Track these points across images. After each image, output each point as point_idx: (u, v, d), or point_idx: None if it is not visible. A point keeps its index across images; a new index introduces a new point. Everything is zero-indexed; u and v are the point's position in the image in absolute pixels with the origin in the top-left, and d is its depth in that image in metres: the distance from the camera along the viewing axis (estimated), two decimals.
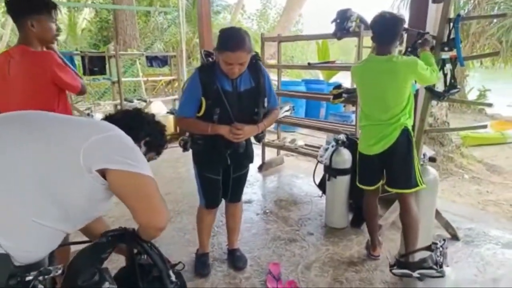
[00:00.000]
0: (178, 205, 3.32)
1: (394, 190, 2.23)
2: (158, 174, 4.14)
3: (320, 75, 9.32)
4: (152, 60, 5.87)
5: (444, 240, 1.70)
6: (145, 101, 5.72)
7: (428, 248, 1.61)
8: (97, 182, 1.16)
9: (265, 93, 2.01)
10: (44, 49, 1.88)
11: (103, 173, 1.15)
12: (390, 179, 2.25)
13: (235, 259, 2.43)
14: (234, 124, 1.90)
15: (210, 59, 2.05)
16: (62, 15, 17.71)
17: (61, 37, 17.22)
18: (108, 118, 1.41)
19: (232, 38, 1.79)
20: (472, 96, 10.79)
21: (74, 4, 11.17)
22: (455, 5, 9.76)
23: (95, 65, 5.11)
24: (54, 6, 1.82)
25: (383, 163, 2.24)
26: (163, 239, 2.72)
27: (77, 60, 5.23)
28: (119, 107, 5.30)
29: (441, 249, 1.61)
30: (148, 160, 1.50)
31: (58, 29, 1.87)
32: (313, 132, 5.16)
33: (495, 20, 8.92)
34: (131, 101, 5.51)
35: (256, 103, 1.99)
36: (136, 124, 1.40)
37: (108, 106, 5.66)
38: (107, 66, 5.28)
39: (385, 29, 2.14)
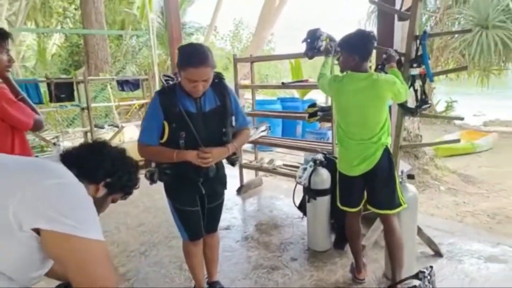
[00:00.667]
0: (154, 236, 3.14)
1: (378, 211, 2.19)
2: (131, 203, 3.95)
3: (295, 92, 9.42)
4: (123, 84, 5.70)
5: (431, 267, 1.64)
6: (117, 126, 5.52)
7: (416, 276, 1.55)
8: (33, 241, 0.99)
9: (232, 112, 1.91)
10: None
11: (38, 231, 0.98)
12: (373, 200, 2.20)
13: None
14: (201, 148, 1.77)
15: (170, 83, 1.93)
16: (30, 41, 17.37)
17: (30, 63, 16.84)
18: (65, 155, 1.23)
19: (194, 54, 1.70)
20: (440, 108, 11.20)
21: (44, 30, 10.86)
22: (418, 21, 10.24)
23: (63, 91, 4.89)
24: (4, 36, 1.69)
25: (366, 184, 2.19)
26: (138, 274, 2.55)
27: (43, 87, 5.02)
28: (89, 134, 5.09)
29: (429, 277, 1.55)
30: (112, 202, 1.35)
31: (10, 60, 1.73)
32: (291, 151, 5.12)
33: (456, 35, 9.38)
34: (101, 127, 5.30)
35: (224, 123, 1.87)
36: (94, 163, 1.21)
37: (78, 134, 5.42)
38: (75, 92, 5.08)
39: (363, 44, 2.10)
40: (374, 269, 2.51)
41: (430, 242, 2.69)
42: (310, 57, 3.26)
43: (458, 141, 2.56)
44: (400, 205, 2.14)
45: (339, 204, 2.33)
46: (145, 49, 11.14)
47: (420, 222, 3.07)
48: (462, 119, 2.44)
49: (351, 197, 2.27)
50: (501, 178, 5.15)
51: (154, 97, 1.86)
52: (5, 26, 11.36)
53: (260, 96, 11.91)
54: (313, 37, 3.13)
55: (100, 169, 1.22)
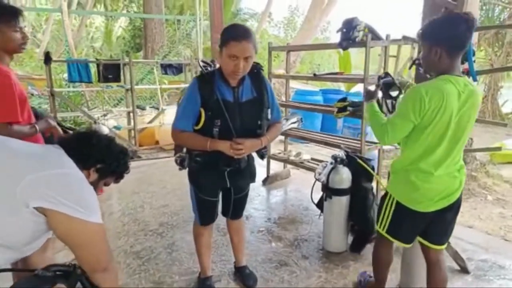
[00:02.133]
0: (173, 219, 3.24)
1: (437, 247, 1.81)
2: (160, 184, 4.10)
3: (341, 84, 9.05)
4: (167, 68, 5.87)
5: None
6: (157, 108, 5.73)
7: None
8: (37, 217, 1.15)
9: (268, 104, 1.89)
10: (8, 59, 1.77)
11: (43, 211, 1.14)
12: (435, 235, 1.79)
13: (244, 277, 2.32)
14: (235, 139, 1.75)
15: (208, 69, 1.95)
16: (99, 23, 18.58)
17: (97, 44, 18.06)
18: (61, 143, 1.34)
19: (237, 28, 1.71)
20: (506, 108, 10.12)
21: (105, 13, 11.52)
22: (489, 14, 9.26)
23: (110, 72, 5.18)
24: (16, 13, 1.71)
25: (434, 219, 1.72)
26: (151, 254, 2.65)
27: (93, 67, 5.34)
28: (131, 114, 5.35)
29: None
30: (105, 185, 1.43)
31: (24, 37, 1.78)
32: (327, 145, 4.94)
33: None
34: (143, 108, 5.54)
35: (259, 115, 1.84)
36: (85, 151, 1.32)
37: (123, 113, 5.71)
38: (122, 73, 5.34)
39: (468, 32, 1.54)
40: (389, 279, 2.36)
41: (457, 257, 2.46)
42: (345, 48, 3.11)
43: (498, 149, 2.28)
44: None
45: (386, 234, 1.82)
46: (202, 34, 11.35)
47: (453, 233, 2.83)
48: (505, 125, 2.15)
49: (412, 233, 1.80)
50: None
51: (192, 83, 1.84)
52: (75, 8, 12.28)
53: (308, 86, 11.67)
54: (349, 27, 2.96)
55: (90, 156, 1.33)
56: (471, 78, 2.22)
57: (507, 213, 3.90)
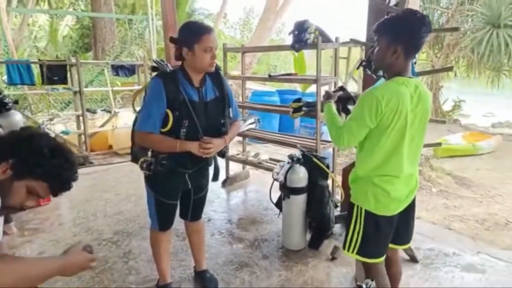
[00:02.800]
0: (129, 226, 3.12)
1: (403, 247, 1.86)
2: (113, 191, 3.93)
3: (297, 85, 9.25)
4: (118, 69, 5.64)
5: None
6: (109, 111, 5.49)
7: None
8: None
9: (230, 103, 1.93)
10: None
11: None
12: (402, 236, 1.78)
13: (205, 281, 2.28)
14: (203, 139, 1.75)
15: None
16: (43, 21, 17.40)
17: (41, 44, 16.89)
18: None
19: (200, 23, 1.82)
20: (447, 107, 10.93)
21: (48, 11, 10.82)
22: (429, 17, 9.94)
23: (55, 74, 4.87)
24: None
25: (400, 220, 1.70)
26: (105, 264, 2.52)
27: (36, 68, 5.00)
28: (81, 118, 5.07)
29: None
30: (39, 197, 1.20)
31: None
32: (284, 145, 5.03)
33: (468, 32, 9.09)
34: (94, 112, 5.28)
35: (223, 114, 1.90)
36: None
37: (72, 117, 5.39)
38: (69, 75, 5.04)
39: (425, 32, 1.46)
40: (345, 274, 2.45)
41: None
42: (297, 50, 3.17)
43: (439, 144, 2.45)
44: None
45: (359, 257, 1.71)
46: (156, 34, 11.04)
47: None
48: (444, 122, 2.32)
49: (384, 243, 1.70)
50: (498, 183, 4.99)
51: (155, 82, 1.76)
52: (16, 6, 11.39)
53: (266, 87, 11.79)
54: (300, 29, 3.03)
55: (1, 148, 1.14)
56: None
57: (450, 204, 4.22)
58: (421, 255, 2.63)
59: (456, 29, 3.70)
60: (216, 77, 1.89)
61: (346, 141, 1.59)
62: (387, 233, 1.67)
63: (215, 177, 2.06)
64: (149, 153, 1.85)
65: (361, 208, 1.65)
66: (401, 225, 1.71)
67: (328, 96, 1.91)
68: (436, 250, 2.73)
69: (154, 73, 1.91)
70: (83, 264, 1.18)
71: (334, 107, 1.80)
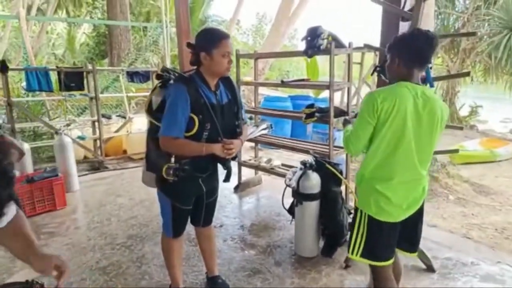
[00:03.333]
0: (142, 231, 3.14)
1: (411, 255, 1.87)
2: (127, 195, 3.97)
3: (310, 91, 9.22)
4: (133, 76, 5.74)
5: None
6: (124, 117, 5.57)
7: None
8: None
9: (241, 106, 2.00)
10: None
11: None
12: (409, 243, 1.82)
13: (217, 287, 2.27)
14: (224, 140, 1.82)
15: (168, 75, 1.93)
16: (61, 29, 17.86)
17: (59, 51, 17.34)
18: None
19: (218, 30, 1.90)
20: (464, 112, 10.72)
21: (66, 20, 11.12)
22: (445, 22, 9.81)
23: (72, 80, 4.98)
24: None
25: (404, 226, 1.74)
26: (118, 269, 2.54)
27: (54, 75, 5.11)
28: (96, 123, 5.16)
29: None
30: None
31: None
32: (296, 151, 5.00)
33: (485, 37, 8.92)
34: (109, 117, 5.37)
35: (237, 116, 1.96)
36: None
37: (88, 122, 5.50)
38: (85, 81, 5.14)
39: (427, 47, 1.63)
40: (358, 282, 2.40)
41: (422, 256, 2.55)
42: (310, 56, 3.16)
43: (456, 151, 2.39)
44: None
45: (363, 259, 1.75)
46: (170, 41, 11.21)
47: None
48: (461, 128, 2.26)
49: (390, 247, 1.74)
50: None
51: (177, 87, 1.78)
52: (35, 14, 11.73)
53: (278, 92, 11.80)
54: (313, 35, 3.02)
55: None
56: (428, 85, 2.35)
57: (468, 211, 4.11)
58: (438, 264, 2.57)
59: (473, 33, 3.63)
60: (227, 81, 1.95)
61: (354, 143, 1.68)
62: (391, 238, 1.71)
63: (227, 178, 2.06)
64: (172, 159, 1.83)
65: (364, 213, 1.71)
66: (406, 232, 1.74)
67: (346, 122, 2.14)
68: (453, 259, 2.66)
69: (158, 81, 1.92)
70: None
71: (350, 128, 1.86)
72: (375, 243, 1.71)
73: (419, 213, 1.75)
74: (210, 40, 1.78)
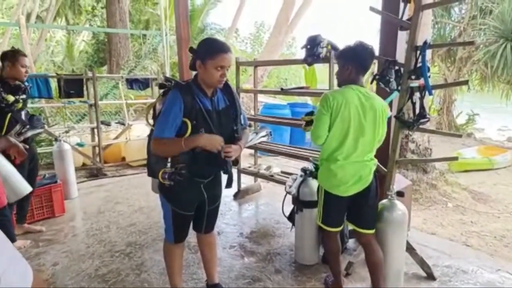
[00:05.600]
0: (141, 238, 3.12)
1: (363, 231, 2.13)
2: (126, 203, 3.96)
3: (308, 98, 9.27)
4: (133, 83, 5.75)
5: None
6: (123, 124, 5.58)
7: None
8: None
9: (240, 111, 2.00)
10: None
11: None
12: (359, 220, 2.15)
13: None
14: (223, 146, 1.82)
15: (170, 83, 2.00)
16: (60, 37, 17.93)
17: (58, 58, 17.38)
18: None
19: (219, 42, 1.87)
20: (461, 120, 10.78)
21: (66, 27, 11.17)
22: (441, 31, 9.92)
23: (72, 87, 4.99)
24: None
25: (354, 203, 2.11)
26: (118, 276, 2.52)
27: (54, 82, 5.12)
28: (95, 130, 5.16)
29: None
30: None
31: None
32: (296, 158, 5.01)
33: (481, 46, 9.02)
34: (108, 124, 5.36)
35: (235, 121, 1.96)
36: None
37: (86, 129, 5.50)
38: (85, 88, 5.15)
39: (370, 57, 2.06)
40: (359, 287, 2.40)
41: (423, 264, 2.54)
42: (310, 64, 3.18)
43: (455, 158, 2.40)
44: (375, 225, 2.16)
45: (321, 224, 2.18)
46: (169, 49, 11.27)
47: (418, 241, 2.94)
48: (460, 136, 2.28)
49: (338, 217, 2.16)
50: None
51: (173, 92, 1.84)
52: (34, 21, 11.79)
53: (276, 100, 11.85)
54: (313, 43, 3.05)
55: None
56: (427, 92, 2.37)
57: (467, 219, 4.12)
58: (438, 272, 2.56)
59: (471, 42, 3.64)
60: (225, 87, 1.96)
61: (314, 132, 2.05)
62: (339, 209, 2.13)
63: (229, 184, 2.08)
64: (168, 164, 1.87)
65: (322, 188, 2.13)
66: (354, 208, 2.11)
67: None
68: (453, 267, 2.65)
69: (161, 90, 2.01)
70: None
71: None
72: (328, 212, 2.13)
73: (370, 192, 2.07)
74: (207, 50, 1.80)
